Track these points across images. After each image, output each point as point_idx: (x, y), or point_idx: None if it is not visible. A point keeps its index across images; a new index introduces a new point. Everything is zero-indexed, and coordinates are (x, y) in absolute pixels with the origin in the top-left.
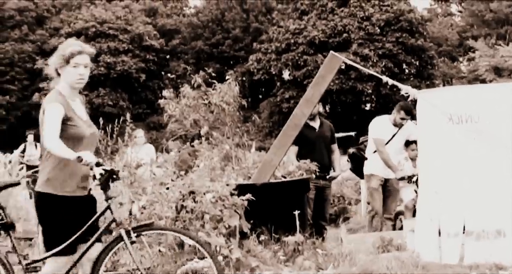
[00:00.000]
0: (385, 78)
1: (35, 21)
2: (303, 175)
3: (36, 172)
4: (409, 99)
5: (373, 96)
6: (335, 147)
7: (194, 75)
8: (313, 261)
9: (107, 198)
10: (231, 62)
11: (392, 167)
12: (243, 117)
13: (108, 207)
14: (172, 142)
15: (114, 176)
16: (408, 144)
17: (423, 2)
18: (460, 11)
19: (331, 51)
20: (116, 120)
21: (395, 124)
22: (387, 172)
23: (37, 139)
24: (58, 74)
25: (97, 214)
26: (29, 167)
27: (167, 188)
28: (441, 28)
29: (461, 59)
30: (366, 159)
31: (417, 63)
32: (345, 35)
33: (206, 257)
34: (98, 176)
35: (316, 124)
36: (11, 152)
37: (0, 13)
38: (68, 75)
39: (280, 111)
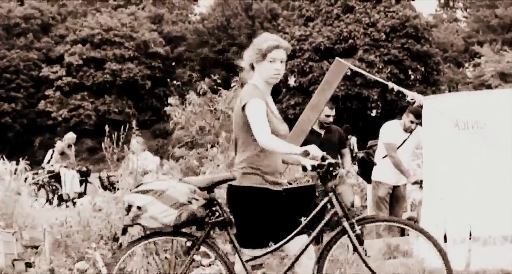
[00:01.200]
0: (390, 84)
1: (41, 29)
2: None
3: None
4: (415, 105)
5: (379, 103)
6: (345, 151)
7: (199, 82)
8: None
9: (328, 191)
10: (237, 69)
11: (404, 171)
12: None
13: (329, 200)
14: (178, 149)
15: (333, 169)
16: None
17: (428, 8)
18: (466, 17)
19: (337, 58)
20: (122, 127)
21: (406, 130)
22: (397, 179)
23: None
24: (252, 68)
25: (317, 208)
26: (81, 173)
27: None
28: (446, 34)
29: (466, 65)
30: (375, 164)
31: (423, 69)
32: (350, 41)
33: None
34: (309, 168)
35: (322, 130)
36: (18, 160)
37: (5, 21)
38: (264, 70)
39: (286, 118)
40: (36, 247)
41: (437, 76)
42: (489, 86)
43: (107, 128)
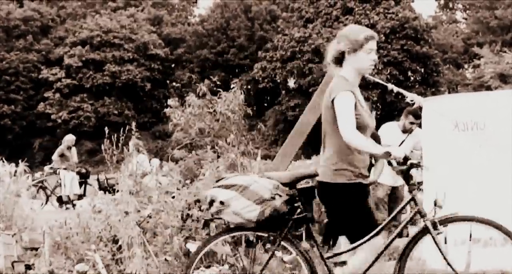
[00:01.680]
0: (390, 86)
1: (40, 31)
2: (309, 183)
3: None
4: (415, 106)
5: (378, 104)
6: None
7: (199, 84)
8: (320, 269)
9: (411, 190)
10: (236, 71)
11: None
12: (249, 126)
13: (412, 198)
14: (178, 151)
15: (415, 165)
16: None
17: (428, 10)
18: (465, 18)
19: None
20: (122, 129)
21: (404, 131)
22: (395, 180)
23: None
24: (338, 61)
25: (401, 205)
26: (81, 175)
27: (173, 197)
28: (446, 36)
29: (466, 66)
30: (373, 165)
31: (422, 71)
32: None
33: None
34: (394, 164)
35: None
36: (17, 162)
37: (5, 23)
38: (360, 61)
39: (285, 120)
40: (36, 249)
41: (437, 78)
42: (488, 88)
43: (106, 130)
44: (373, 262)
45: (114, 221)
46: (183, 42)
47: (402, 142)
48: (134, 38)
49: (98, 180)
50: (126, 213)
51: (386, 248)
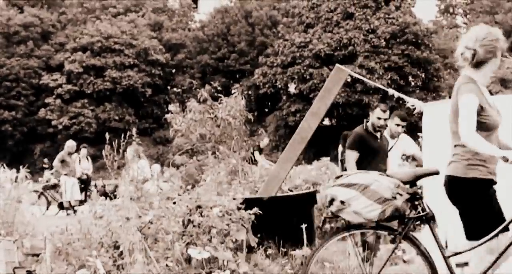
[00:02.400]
0: (391, 91)
1: (41, 37)
2: (310, 188)
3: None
4: (416, 112)
5: None
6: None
7: (200, 90)
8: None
9: None
10: (237, 76)
11: None
12: (250, 131)
13: None
14: (179, 157)
15: None
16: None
17: (428, 15)
18: (466, 23)
19: (337, 64)
20: (123, 135)
21: (392, 136)
22: None
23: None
24: (476, 65)
25: None
26: (82, 181)
27: (174, 203)
28: (446, 40)
29: None
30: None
31: (423, 76)
32: (350, 48)
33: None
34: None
35: (378, 133)
36: (18, 168)
37: (5, 29)
38: (494, 65)
39: (286, 125)
40: (37, 255)
41: (437, 83)
42: (489, 92)
43: (107, 136)
44: (494, 262)
45: (115, 227)
46: (184, 47)
47: (391, 147)
48: (135, 44)
49: (95, 186)
50: (127, 218)
51: (508, 247)
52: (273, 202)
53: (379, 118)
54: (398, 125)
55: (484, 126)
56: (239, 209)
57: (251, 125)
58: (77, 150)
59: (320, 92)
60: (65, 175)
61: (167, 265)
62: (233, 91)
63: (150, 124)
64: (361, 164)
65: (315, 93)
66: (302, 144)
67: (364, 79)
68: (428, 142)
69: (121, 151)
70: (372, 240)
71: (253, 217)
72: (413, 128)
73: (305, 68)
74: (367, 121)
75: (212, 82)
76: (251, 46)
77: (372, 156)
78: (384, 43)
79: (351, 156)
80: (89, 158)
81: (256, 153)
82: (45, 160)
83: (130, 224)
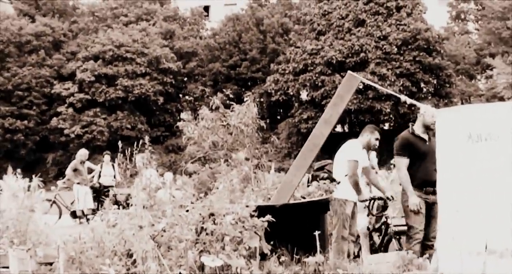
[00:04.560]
0: (403, 97)
1: (52, 46)
2: (323, 195)
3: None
4: (428, 119)
5: (391, 116)
6: None
7: (212, 97)
8: None
9: None
10: (249, 84)
11: (361, 190)
12: (262, 139)
13: None
14: (191, 164)
15: None
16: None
17: (439, 21)
18: (477, 29)
19: (349, 71)
20: (135, 143)
21: (368, 148)
22: (357, 196)
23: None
24: None
25: None
26: (104, 187)
27: (187, 210)
28: (458, 46)
29: (479, 77)
30: (338, 182)
31: (435, 82)
32: (362, 54)
33: None
34: None
35: (425, 136)
36: (31, 177)
37: (17, 38)
38: None
39: (298, 132)
40: (51, 264)
41: (449, 89)
42: (501, 98)
43: (120, 144)
44: None
45: (129, 235)
46: (195, 55)
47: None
48: (146, 52)
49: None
50: (140, 227)
51: None
52: (286, 209)
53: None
54: (377, 139)
55: None
56: (252, 216)
57: (263, 133)
58: (89, 158)
59: (332, 99)
60: (78, 183)
61: (180, 273)
62: (245, 98)
63: (162, 133)
64: (412, 169)
65: (327, 100)
66: (315, 151)
67: (376, 86)
68: (442, 148)
69: (133, 159)
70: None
71: (266, 224)
72: None
73: (317, 75)
74: (413, 125)
75: (224, 90)
76: (263, 54)
77: (421, 159)
78: (395, 49)
79: (401, 163)
80: (115, 165)
81: None
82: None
83: (143, 232)
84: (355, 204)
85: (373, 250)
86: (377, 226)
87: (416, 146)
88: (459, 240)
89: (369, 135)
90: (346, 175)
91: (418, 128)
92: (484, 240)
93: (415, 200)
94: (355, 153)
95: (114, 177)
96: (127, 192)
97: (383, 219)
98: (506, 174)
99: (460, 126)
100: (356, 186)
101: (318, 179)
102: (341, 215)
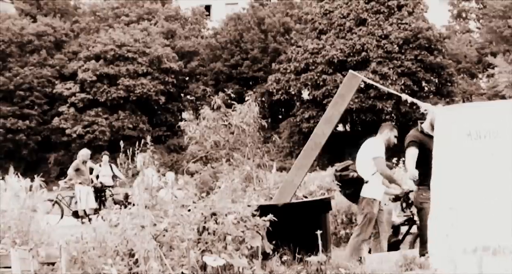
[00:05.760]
0: (404, 96)
1: (54, 46)
2: (324, 194)
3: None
4: (429, 116)
5: (393, 115)
6: None
7: (213, 97)
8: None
9: None
10: (250, 83)
11: (398, 182)
12: (263, 138)
13: None
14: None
15: None
16: None
17: (441, 19)
18: (479, 28)
19: (350, 71)
20: (137, 143)
21: (388, 145)
22: (383, 195)
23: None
24: None
25: None
26: (105, 186)
27: (189, 210)
28: (459, 45)
29: (480, 75)
30: (366, 182)
31: (436, 81)
32: (363, 54)
33: None
34: None
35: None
36: (32, 177)
37: (18, 38)
38: None
39: (300, 131)
40: (53, 264)
41: (451, 88)
42: (503, 97)
43: (121, 144)
44: None
45: (130, 235)
46: (197, 55)
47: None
48: (148, 52)
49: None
50: (142, 226)
51: None
52: (287, 209)
53: None
54: (396, 137)
55: None
56: (254, 215)
57: (264, 132)
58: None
59: (334, 99)
60: (80, 183)
61: (182, 273)
62: (246, 98)
63: (164, 132)
64: (421, 167)
65: (328, 99)
66: (316, 150)
67: (378, 85)
68: (440, 144)
69: (135, 159)
70: None
71: (268, 223)
72: None
73: (318, 74)
74: (421, 123)
75: (225, 90)
76: (264, 53)
77: (431, 157)
78: (397, 48)
79: (409, 152)
80: (113, 165)
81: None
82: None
83: (145, 232)
84: (379, 203)
85: (395, 245)
86: (401, 221)
87: (425, 144)
88: (453, 237)
89: (389, 133)
90: (373, 174)
91: (426, 127)
92: (480, 237)
93: (411, 175)
94: (380, 149)
95: (113, 177)
96: (124, 192)
97: (409, 216)
98: (505, 171)
99: (460, 124)
100: (393, 179)
101: (347, 178)
102: (369, 214)
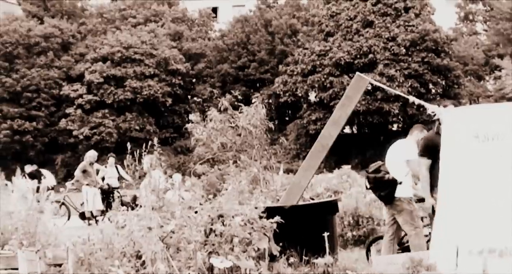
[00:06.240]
0: (411, 98)
1: (61, 47)
2: (331, 196)
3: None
4: (435, 118)
5: (400, 117)
6: None
7: (220, 99)
8: None
9: None
10: (257, 85)
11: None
12: (270, 140)
13: None
14: (200, 166)
15: None
16: None
17: (448, 22)
18: (486, 30)
19: (357, 73)
20: (144, 144)
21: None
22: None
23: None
24: None
25: None
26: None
27: (196, 212)
28: (466, 47)
29: (487, 78)
30: (400, 183)
31: (443, 83)
32: (370, 56)
33: None
34: None
35: None
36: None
37: (25, 40)
38: None
39: (307, 133)
40: (60, 265)
41: (458, 90)
42: (510, 99)
43: (128, 145)
44: None
45: (137, 236)
46: (204, 57)
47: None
48: (155, 54)
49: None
50: (149, 228)
51: None
52: (294, 211)
53: None
54: None
55: None
56: (261, 217)
57: (271, 134)
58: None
59: (341, 101)
60: (87, 185)
61: None
62: (253, 100)
63: (170, 134)
64: (433, 170)
65: (335, 101)
66: (323, 152)
67: (385, 87)
68: (447, 146)
69: (142, 160)
70: None
71: (275, 225)
72: None
73: (325, 76)
74: (439, 123)
75: (232, 91)
76: (271, 55)
77: None
78: (404, 50)
79: (422, 163)
80: (119, 166)
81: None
82: None
83: (152, 233)
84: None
85: None
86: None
87: (435, 142)
88: (459, 239)
89: (419, 134)
90: (405, 175)
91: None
92: (486, 239)
93: (429, 204)
94: (412, 151)
95: (119, 178)
96: (132, 193)
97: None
98: (511, 173)
99: (467, 126)
100: (426, 182)
101: (383, 180)
102: (413, 211)
